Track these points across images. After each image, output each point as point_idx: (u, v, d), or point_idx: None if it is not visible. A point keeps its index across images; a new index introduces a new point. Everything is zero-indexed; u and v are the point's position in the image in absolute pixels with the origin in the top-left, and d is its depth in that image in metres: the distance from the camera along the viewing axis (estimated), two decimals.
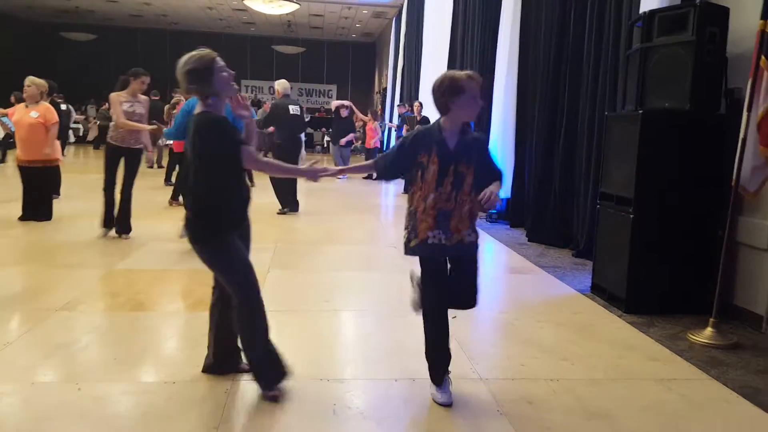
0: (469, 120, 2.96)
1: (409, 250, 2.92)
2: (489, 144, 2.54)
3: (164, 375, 3.13)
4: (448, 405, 2.86)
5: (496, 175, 2.94)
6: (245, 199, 2.96)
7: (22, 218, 7.20)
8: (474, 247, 2.94)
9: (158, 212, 8.35)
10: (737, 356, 3.64)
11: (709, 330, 3.89)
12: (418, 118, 9.68)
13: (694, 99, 4.18)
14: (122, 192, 6.41)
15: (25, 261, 5.48)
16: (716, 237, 4.29)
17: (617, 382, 3.22)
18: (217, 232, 2.82)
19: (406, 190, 11.01)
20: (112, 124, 6.47)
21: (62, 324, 3.86)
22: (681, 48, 4.24)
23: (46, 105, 7.10)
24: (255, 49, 27.44)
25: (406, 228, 2.94)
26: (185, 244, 6.03)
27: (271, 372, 2.94)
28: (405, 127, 11.14)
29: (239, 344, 3.04)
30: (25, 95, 7.09)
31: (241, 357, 3.09)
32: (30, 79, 7.11)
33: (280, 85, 9.06)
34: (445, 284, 2.94)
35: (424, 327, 2.98)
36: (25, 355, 3.35)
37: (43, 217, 7.25)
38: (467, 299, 3.00)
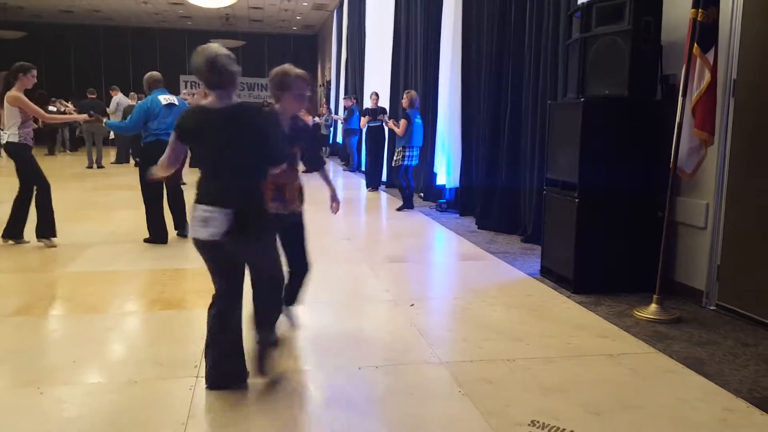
0: (295, 112, 3.38)
1: None
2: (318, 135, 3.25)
3: (126, 375, 3.10)
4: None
5: (319, 164, 3.66)
6: None
7: None
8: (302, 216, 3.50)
9: (101, 214, 8.13)
10: (680, 330, 3.83)
11: (653, 306, 4.08)
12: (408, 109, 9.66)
13: (632, 86, 4.35)
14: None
15: None
16: (657, 218, 4.49)
17: (570, 359, 3.36)
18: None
19: (370, 185, 11.06)
20: (16, 124, 5.98)
21: (16, 329, 3.77)
22: (618, 37, 4.41)
23: None
24: (193, 44, 26.50)
25: None
26: (130, 244, 5.94)
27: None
28: (367, 117, 11.06)
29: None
30: None
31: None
32: None
33: None
34: None
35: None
36: None
37: None
38: (304, 261, 3.53)
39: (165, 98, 6.27)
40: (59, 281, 4.87)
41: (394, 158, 8.73)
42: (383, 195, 10.46)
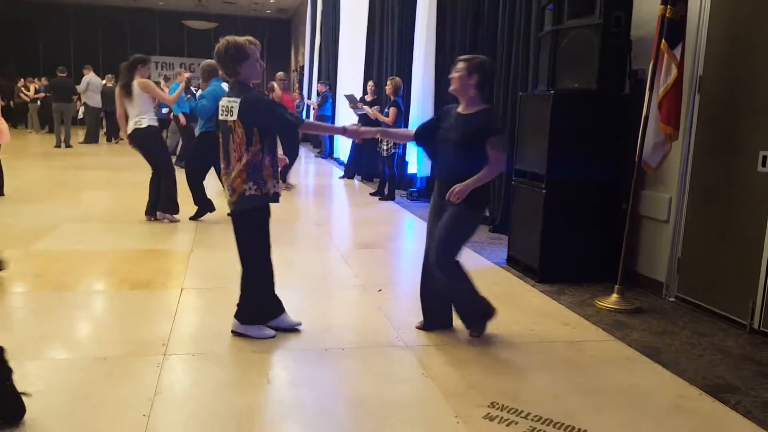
0: (256, 80, 3.38)
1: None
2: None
3: (95, 352, 3.12)
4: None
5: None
6: None
7: None
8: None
9: (70, 194, 8.00)
10: (640, 320, 3.94)
11: (614, 296, 4.18)
12: (370, 99, 9.50)
13: (601, 79, 4.42)
14: None
15: None
16: (621, 210, 4.59)
17: (533, 345, 3.43)
18: None
19: (347, 174, 10.93)
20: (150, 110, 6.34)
21: None
22: (589, 30, 4.47)
23: None
24: (164, 25, 26.42)
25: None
26: (100, 224, 5.86)
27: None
28: (374, 108, 10.32)
29: None
30: None
31: None
32: None
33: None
34: None
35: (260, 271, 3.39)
36: None
37: None
38: None
39: (225, 86, 6.37)
40: (28, 259, 4.80)
41: (385, 147, 8.59)
42: (356, 183, 10.47)
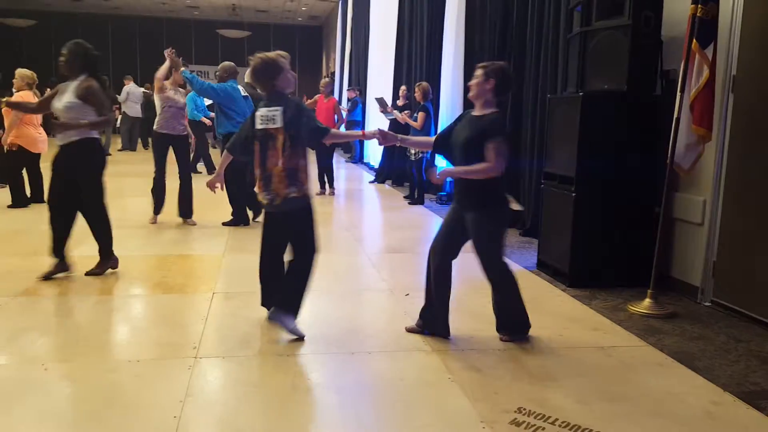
0: (290, 90, 3.59)
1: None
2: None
3: (128, 355, 3.19)
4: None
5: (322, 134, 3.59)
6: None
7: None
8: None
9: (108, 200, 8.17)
10: (673, 325, 3.86)
11: (647, 301, 4.10)
12: (402, 103, 9.55)
13: (631, 81, 4.36)
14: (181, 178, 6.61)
15: None
16: (654, 213, 4.51)
17: (561, 350, 3.39)
18: None
19: (378, 179, 10.98)
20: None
21: (24, 309, 3.87)
22: (618, 31, 4.42)
23: (19, 93, 7.17)
24: (199, 34, 26.88)
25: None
26: (136, 230, 5.99)
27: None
28: (405, 113, 10.21)
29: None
30: (14, 87, 7.44)
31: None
32: (17, 72, 7.31)
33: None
34: None
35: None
36: None
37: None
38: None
39: (242, 89, 6.76)
40: None
41: (413, 151, 8.53)
42: (387, 188, 10.48)
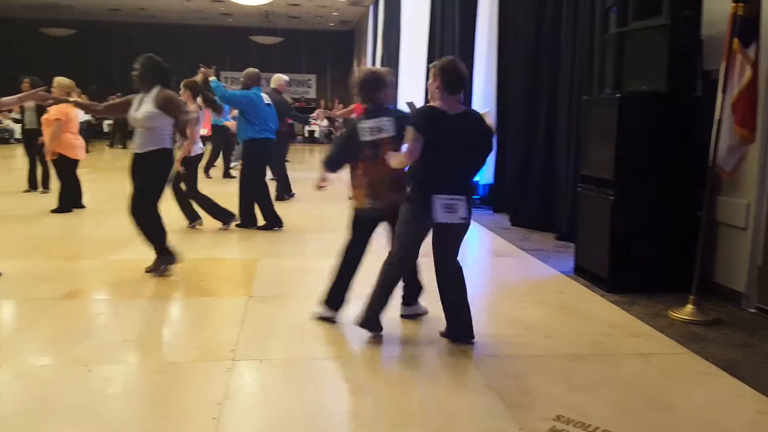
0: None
1: None
2: None
3: (168, 357, 3.25)
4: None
5: None
6: None
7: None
8: None
9: None
10: (717, 332, 3.75)
11: (689, 307, 4.00)
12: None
13: (671, 81, 4.27)
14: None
15: (25, 254, 5.46)
16: (695, 217, 4.40)
17: (600, 357, 3.32)
18: None
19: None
20: None
21: (67, 312, 3.96)
22: (656, 31, 4.33)
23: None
24: (233, 41, 27.21)
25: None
26: (175, 234, 6.09)
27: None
28: None
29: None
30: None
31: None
32: (55, 80, 7.48)
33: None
34: None
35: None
36: (33, 341, 3.45)
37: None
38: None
39: (266, 96, 6.81)
40: (106, 268, 5.04)
41: None
42: None
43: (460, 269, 3.46)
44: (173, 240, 6.06)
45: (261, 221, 6.72)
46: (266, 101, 6.73)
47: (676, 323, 3.89)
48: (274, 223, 6.69)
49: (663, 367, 3.21)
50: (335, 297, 3.74)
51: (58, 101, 5.05)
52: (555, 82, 6.63)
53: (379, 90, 3.62)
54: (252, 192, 6.65)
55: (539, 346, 3.45)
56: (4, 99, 5.10)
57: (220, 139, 11.67)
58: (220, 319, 3.87)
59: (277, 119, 7.07)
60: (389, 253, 3.53)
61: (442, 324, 3.54)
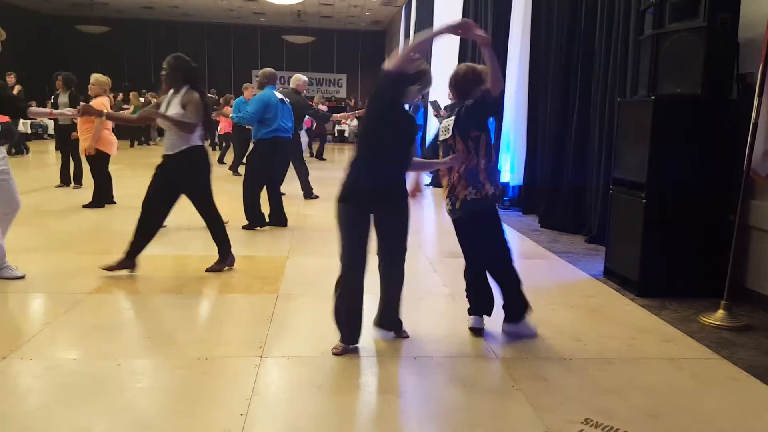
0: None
1: None
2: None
3: (196, 352, 3.28)
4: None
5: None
6: None
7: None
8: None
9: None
10: (748, 337, 3.70)
11: (720, 312, 3.95)
12: None
13: (706, 84, 4.22)
14: None
15: (56, 248, 5.61)
16: (728, 221, 4.34)
17: (629, 361, 3.30)
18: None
19: (434, 182, 11.11)
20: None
21: (97, 306, 4.04)
22: (692, 34, 4.28)
23: (98, 99, 7.53)
24: (265, 40, 27.48)
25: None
26: (203, 231, 6.20)
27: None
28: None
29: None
30: (89, 92, 7.77)
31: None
32: (93, 77, 7.69)
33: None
34: None
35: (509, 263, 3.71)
36: (64, 334, 3.52)
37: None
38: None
39: (278, 93, 6.84)
40: (137, 263, 5.11)
41: None
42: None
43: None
44: (200, 237, 6.18)
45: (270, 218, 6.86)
46: (279, 97, 6.77)
47: (707, 328, 3.85)
48: (255, 222, 6.69)
49: (693, 372, 3.18)
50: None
51: (89, 113, 5.05)
52: (588, 83, 6.57)
53: (476, 86, 3.54)
54: (246, 189, 6.69)
55: (568, 349, 3.44)
56: (34, 109, 5.24)
57: (238, 136, 11.88)
58: (249, 315, 3.93)
59: (293, 118, 7.11)
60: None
61: (465, 323, 3.55)
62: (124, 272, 4.71)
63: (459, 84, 3.57)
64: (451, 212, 3.60)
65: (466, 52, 11.38)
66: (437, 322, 3.95)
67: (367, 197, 3.17)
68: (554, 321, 3.92)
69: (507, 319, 3.64)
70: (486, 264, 3.63)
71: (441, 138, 3.59)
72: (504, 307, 3.64)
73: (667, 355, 3.39)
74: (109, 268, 4.67)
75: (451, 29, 3.24)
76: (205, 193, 4.87)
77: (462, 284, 3.73)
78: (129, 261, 4.71)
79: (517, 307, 3.61)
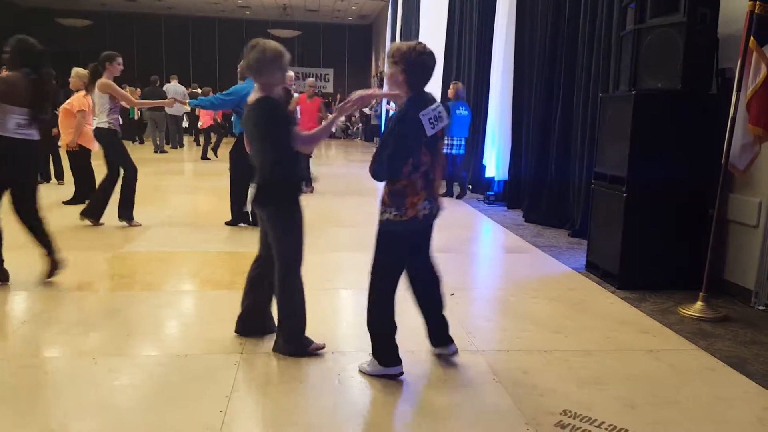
0: None
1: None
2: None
3: (176, 349, 3.27)
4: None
5: None
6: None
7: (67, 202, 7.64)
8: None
9: (160, 197, 8.43)
10: (726, 328, 3.76)
11: (699, 304, 4.01)
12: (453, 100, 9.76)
13: (686, 79, 4.26)
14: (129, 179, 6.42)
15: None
16: (707, 214, 4.40)
17: (608, 353, 3.35)
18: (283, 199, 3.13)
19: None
20: (104, 111, 6.25)
21: (75, 303, 4.01)
22: (673, 29, 4.32)
23: (80, 93, 7.40)
24: (250, 34, 26.86)
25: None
26: (186, 228, 6.17)
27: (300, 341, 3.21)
28: None
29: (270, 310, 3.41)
30: (70, 86, 7.62)
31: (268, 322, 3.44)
32: (73, 71, 7.55)
33: None
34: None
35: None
36: (42, 332, 3.49)
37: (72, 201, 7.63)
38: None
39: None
40: (118, 260, 5.10)
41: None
42: None
43: None
44: (184, 232, 6.17)
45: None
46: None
47: (686, 320, 3.90)
48: (238, 219, 6.59)
49: (671, 363, 3.22)
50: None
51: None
52: (571, 79, 6.61)
53: (428, 77, 2.96)
54: (231, 183, 6.60)
55: (548, 341, 3.48)
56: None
57: (222, 126, 11.91)
58: (230, 312, 3.90)
59: None
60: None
61: (455, 319, 3.57)
62: (105, 270, 4.68)
63: (416, 75, 2.92)
64: (430, 218, 3.02)
65: (451, 49, 11.42)
66: (419, 316, 3.96)
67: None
68: (536, 313, 3.96)
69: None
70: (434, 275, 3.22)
71: (434, 130, 2.90)
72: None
73: (646, 347, 3.43)
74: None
75: (349, 108, 3.23)
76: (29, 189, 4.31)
77: (445, 278, 3.73)
78: None
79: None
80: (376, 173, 2.88)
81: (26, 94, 4.16)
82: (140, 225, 6.36)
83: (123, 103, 6.51)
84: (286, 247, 3.17)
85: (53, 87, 4.61)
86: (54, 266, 4.40)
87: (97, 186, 6.64)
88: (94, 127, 6.39)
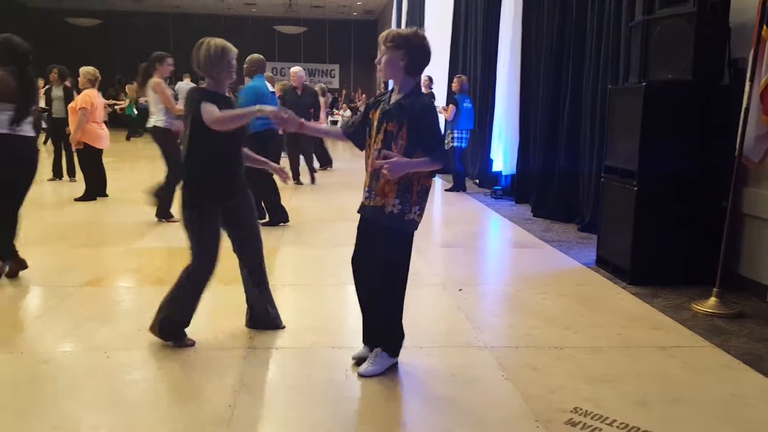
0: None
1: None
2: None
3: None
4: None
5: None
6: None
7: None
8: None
9: None
10: (740, 325, 3.68)
11: (712, 300, 3.93)
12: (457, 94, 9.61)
13: (697, 70, 4.18)
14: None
15: (48, 241, 5.55)
16: (720, 208, 4.31)
17: (619, 349, 3.28)
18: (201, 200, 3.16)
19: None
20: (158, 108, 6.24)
21: (88, 299, 4.01)
22: (683, 19, 4.24)
23: (85, 92, 7.40)
24: (256, 30, 27.30)
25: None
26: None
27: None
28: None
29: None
30: (79, 84, 7.64)
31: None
32: (81, 70, 7.56)
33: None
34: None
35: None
36: (54, 327, 3.49)
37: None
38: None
39: (268, 85, 6.64)
40: (129, 256, 5.10)
41: (445, 142, 8.75)
42: (437, 181, 10.41)
43: None
44: (179, 230, 6.12)
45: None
46: (270, 89, 6.66)
47: (699, 316, 3.83)
48: (279, 218, 6.44)
49: (684, 360, 3.15)
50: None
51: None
52: (579, 71, 6.53)
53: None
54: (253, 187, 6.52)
55: (558, 337, 3.42)
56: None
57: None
58: (239, 307, 3.88)
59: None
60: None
61: (454, 313, 3.52)
62: (116, 265, 4.67)
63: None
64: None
65: (458, 43, 11.35)
66: (428, 312, 3.91)
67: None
68: (545, 310, 3.90)
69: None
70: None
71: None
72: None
73: (658, 344, 3.36)
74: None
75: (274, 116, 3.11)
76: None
77: (453, 273, 3.69)
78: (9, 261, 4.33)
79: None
80: (446, 161, 2.85)
81: (13, 91, 4.16)
82: (178, 221, 6.35)
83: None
84: (195, 255, 3.28)
85: (37, 85, 4.63)
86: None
87: (159, 186, 6.42)
88: (150, 126, 6.37)
